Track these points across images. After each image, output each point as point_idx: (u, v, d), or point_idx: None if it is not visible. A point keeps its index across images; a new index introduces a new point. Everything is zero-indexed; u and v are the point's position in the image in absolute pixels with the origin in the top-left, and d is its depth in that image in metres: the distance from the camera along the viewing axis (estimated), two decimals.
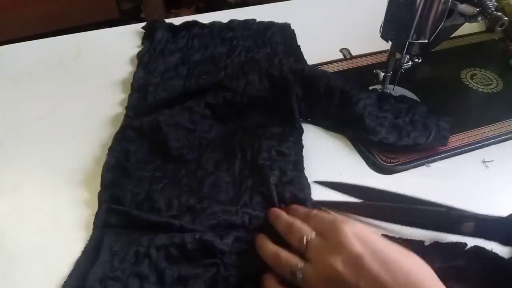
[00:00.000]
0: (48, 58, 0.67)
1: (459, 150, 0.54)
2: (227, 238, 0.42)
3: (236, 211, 0.45)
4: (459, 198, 0.49)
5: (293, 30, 0.73)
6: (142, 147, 0.51)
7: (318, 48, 0.70)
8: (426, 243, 0.43)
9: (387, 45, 0.54)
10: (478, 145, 0.55)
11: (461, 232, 0.42)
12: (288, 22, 0.74)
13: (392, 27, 0.52)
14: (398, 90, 0.60)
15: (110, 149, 0.50)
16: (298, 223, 0.41)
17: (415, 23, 0.48)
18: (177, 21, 0.74)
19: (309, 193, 0.48)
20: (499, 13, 0.47)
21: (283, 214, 0.44)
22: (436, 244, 0.42)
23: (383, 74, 0.56)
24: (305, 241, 0.38)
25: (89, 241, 0.43)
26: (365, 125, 0.53)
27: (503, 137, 0.56)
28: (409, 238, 0.43)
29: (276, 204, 0.46)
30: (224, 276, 0.40)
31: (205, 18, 0.77)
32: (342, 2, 0.83)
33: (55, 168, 0.51)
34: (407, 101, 0.59)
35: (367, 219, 0.46)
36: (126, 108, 0.56)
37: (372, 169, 0.52)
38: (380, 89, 0.59)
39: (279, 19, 0.75)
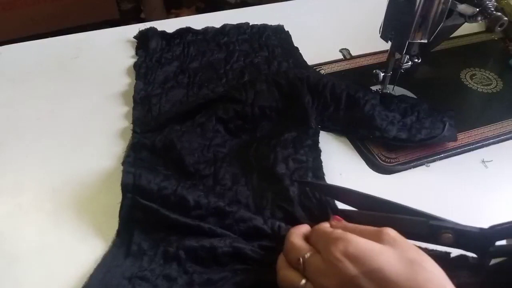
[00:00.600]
0: (48, 58, 0.67)
1: (459, 150, 0.54)
2: (257, 247, 0.42)
3: (264, 220, 0.44)
4: (459, 198, 0.49)
5: (287, 31, 0.73)
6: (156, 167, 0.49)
7: (318, 48, 0.70)
8: (452, 255, 0.42)
9: (387, 45, 0.54)
10: (477, 145, 0.55)
11: (441, 243, 0.41)
12: (288, 22, 0.74)
13: (392, 27, 0.52)
14: (398, 90, 0.60)
15: (124, 170, 0.47)
16: (296, 242, 0.39)
17: (415, 23, 0.48)
18: (177, 21, 0.74)
19: (330, 201, 0.47)
20: (499, 13, 0.47)
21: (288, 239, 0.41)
22: (464, 258, 0.42)
23: (383, 74, 0.56)
24: (301, 262, 0.37)
25: (117, 236, 0.43)
26: (377, 124, 0.53)
27: (502, 137, 0.56)
28: (434, 249, 0.42)
29: (298, 219, 0.45)
30: (254, 281, 0.40)
31: (205, 18, 0.77)
32: (342, 2, 0.83)
33: (55, 168, 0.51)
34: (409, 100, 0.59)
35: None
36: (132, 123, 0.55)
37: (372, 169, 0.52)
38: (379, 89, 0.60)
39: (279, 19, 0.75)
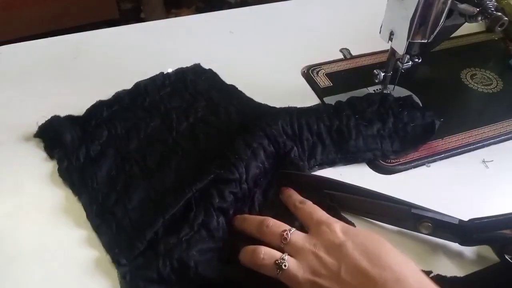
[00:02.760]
0: (48, 58, 0.67)
1: (459, 150, 0.54)
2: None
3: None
4: (459, 198, 0.49)
5: (209, 69, 0.64)
6: None
7: (318, 48, 0.70)
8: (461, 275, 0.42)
9: (387, 45, 0.54)
10: (478, 145, 0.55)
11: (420, 231, 0.44)
12: (288, 22, 0.74)
13: (392, 27, 0.52)
14: (398, 90, 0.60)
15: None
16: (272, 221, 0.42)
17: (415, 23, 0.48)
18: (177, 21, 0.74)
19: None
20: (499, 13, 0.47)
21: (249, 216, 0.45)
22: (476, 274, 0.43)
23: (383, 74, 0.56)
24: (288, 236, 0.40)
25: None
26: (374, 146, 0.52)
27: (503, 137, 0.56)
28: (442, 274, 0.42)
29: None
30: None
31: (205, 18, 0.77)
32: (342, 2, 0.83)
33: (55, 168, 0.51)
34: (374, 97, 0.58)
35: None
36: (110, 254, 0.43)
37: (372, 169, 0.52)
38: (380, 89, 0.59)
39: (279, 19, 0.74)
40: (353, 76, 0.65)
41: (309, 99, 0.61)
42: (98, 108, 0.56)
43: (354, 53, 0.69)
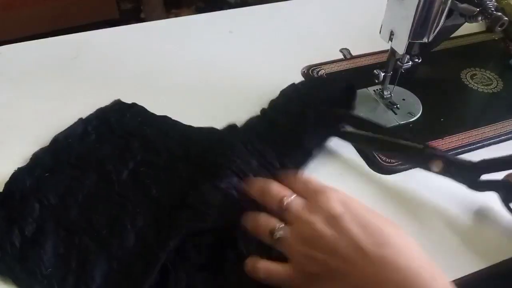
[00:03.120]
0: (48, 58, 0.67)
1: (459, 150, 0.54)
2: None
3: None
4: (459, 198, 0.49)
5: (133, 103, 0.57)
6: None
7: (318, 48, 0.70)
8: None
9: (387, 45, 0.54)
10: (478, 145, 0.55)
11: (431, 169, 0.45)
12: (288, 22, 0.74)
13: (392, 27, 0.52)
14: (398, 90, 0.60)
15: None
16: (276, 186, 0.40)
17: (415, 23, 0.48)
18: (177, 21, 0.74)
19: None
20: (499, 13, 0.47)
21: (256, 179, 0.43)
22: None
23: (383, 74, 0.56)
24: (285, 202, 0.38)
25: None
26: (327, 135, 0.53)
27: (503, 137, 0.56)
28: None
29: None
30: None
31: (205, 18, 0.77)
32: (342, 2, 0.83)
33: None
34: (299, 92, 0.58)
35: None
36: None
37: (372, 169, 0.52)
38: (379, 89, 0.59)
39: (279, 19, 0.74)
40: (353, 76, 0.65)
41: None
42: (18, 178, 0.47)
43: (354, 53, 0.69)
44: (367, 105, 0.59)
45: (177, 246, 0.40)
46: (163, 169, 0.48)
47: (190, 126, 0.54)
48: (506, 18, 0.47)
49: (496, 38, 0.74)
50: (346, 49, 0.70)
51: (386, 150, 0.48)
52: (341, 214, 0.36)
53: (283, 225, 0.38)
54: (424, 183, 0.51)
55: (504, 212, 0.46)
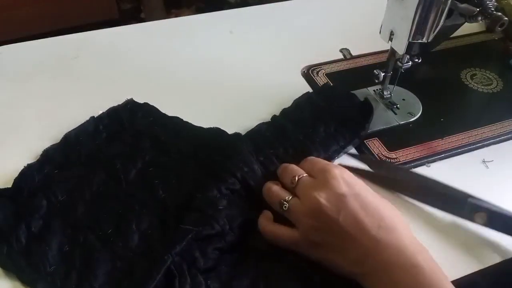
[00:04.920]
0: (48, 58, 0.67)
1: (459, 150, 0.54)
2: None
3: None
4: None
5: (145, 103, 0.57)
6: None
7: (318, 48, 0.70)
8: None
9: (387, 45, 0.54)
10: (478, 145, 0.55)
11: (475, 221, 0.44)
12: (288, 22, 0.74)
13: (392, 27, 0.52)
14: (398, 90, 0.60)
15: None
16: (292, 166, 0.46)
17: (415, 23, 0.48)
18: (177, 21, 0.74)
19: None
20: (499, 13, 0.47)
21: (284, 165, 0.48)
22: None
23: (383, 74, 0.56)
24: (296, 179, 0.43)
25: None
26: (333, 151, 0.52)
27: (503, 137, 0.56)
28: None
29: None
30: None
31: (205, 18, 0.77)
32: (342, 2, 0.83)
33: None
34: (313, 101, 0.58)
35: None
36: None
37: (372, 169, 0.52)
38: (379, 89, 0.59)
39: (279, 19, 0.75)
40: (353, 76, 0.65)
41: None
42: (27, 174, 0.47)
43: (354, 53, 0.69)
44: None
45: (183, 250, 0.40)
46: (172, 170, 0.48)
47: (200, 127, 0.54)
48: (506, 18, 0.47)
49: (496, 38, 0.74)
50: (346, 49, 0.70)
51: (428, 197, 0.47)
52: (344, 193, 0.40)
53: (291, 197, 0.42)
54: None
55: None
